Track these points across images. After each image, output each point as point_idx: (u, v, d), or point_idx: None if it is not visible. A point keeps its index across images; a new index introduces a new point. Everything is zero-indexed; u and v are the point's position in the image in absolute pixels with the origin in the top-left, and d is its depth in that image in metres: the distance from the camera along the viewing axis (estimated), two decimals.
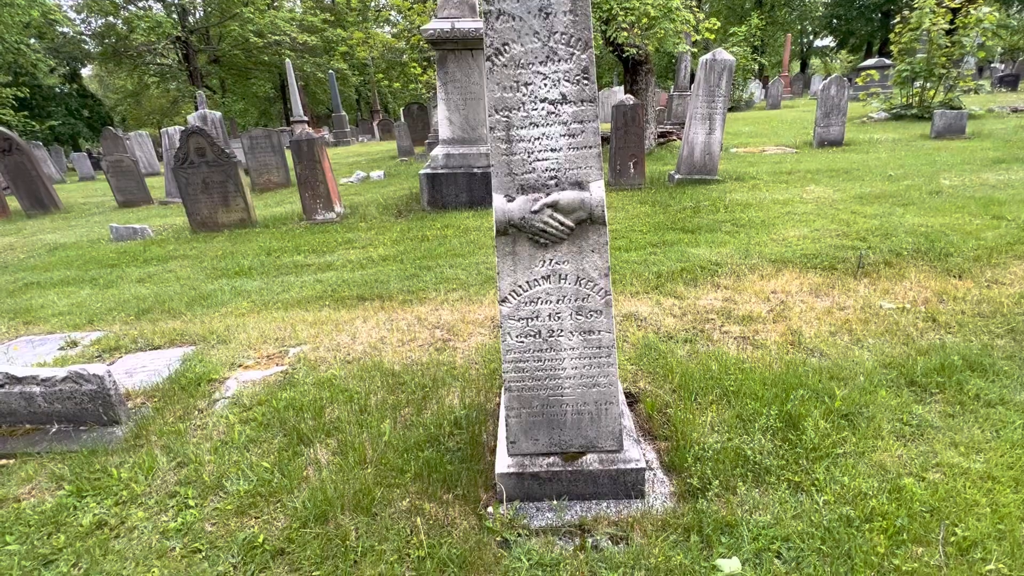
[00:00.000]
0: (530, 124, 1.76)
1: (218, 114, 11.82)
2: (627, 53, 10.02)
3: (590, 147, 1.78)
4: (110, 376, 2.65)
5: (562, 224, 1.83)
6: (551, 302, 1.99)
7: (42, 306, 5.07)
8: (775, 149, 11.31)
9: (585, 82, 1.72)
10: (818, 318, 3.50)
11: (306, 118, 23.93)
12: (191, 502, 2.24)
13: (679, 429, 2.51)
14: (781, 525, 2.00)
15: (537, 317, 2.01)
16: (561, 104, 1.74)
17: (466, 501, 2.23)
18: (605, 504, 2.24)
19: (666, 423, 2.65)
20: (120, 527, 2.14)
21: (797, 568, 1.84)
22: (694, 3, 12.55)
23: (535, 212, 1.82)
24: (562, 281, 1.95)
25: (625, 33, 9.09)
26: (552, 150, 1.79)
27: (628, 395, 2.92)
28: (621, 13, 8.95)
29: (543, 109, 1.75)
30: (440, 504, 2.21)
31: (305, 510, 2.16)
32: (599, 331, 2.02)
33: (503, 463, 2.25)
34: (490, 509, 2.17)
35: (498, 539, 2.07)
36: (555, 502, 2.22)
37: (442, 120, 7.42)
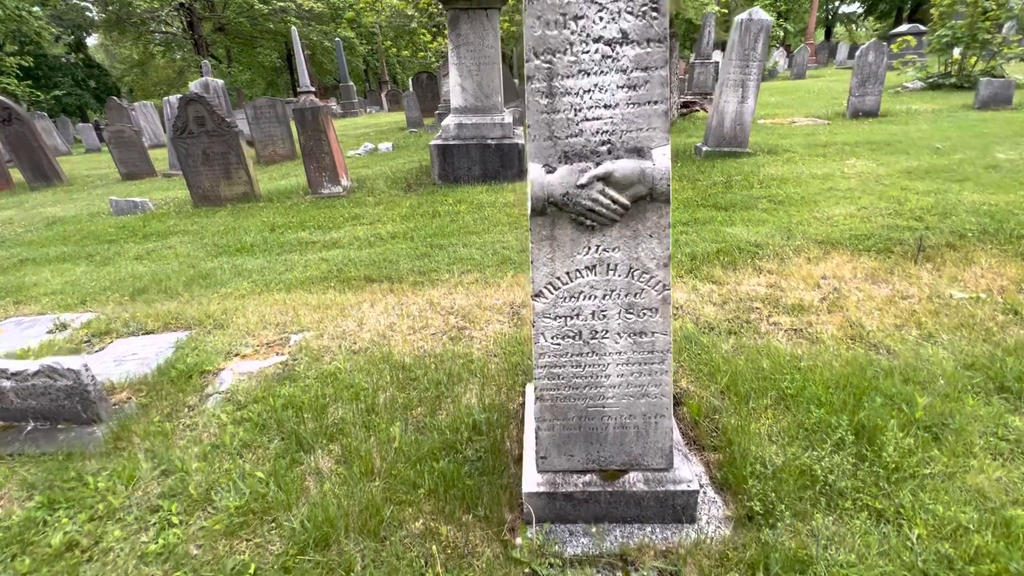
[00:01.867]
0: (579, 72, 1.37)
1: (220, 82, 11.35)
2: None
3: (655, 102, 1.39)
4: (87, 371, 2.36)
5: (615, 202, 1.46)
6: (596, 297, 1.63)
7: (35, 284, 4.81)
8: (805, 120, 10.66)
9: (654, 15, 1.31)
10: (879, 308, 3.11)
11: (313, 89, 23.28)
12: (175, 519, 1.96)
13: (733, 440, 2.18)
14: (866, 565, 1.68)
15: (578, 315, 1.66)
16: (620, 45, 1.34)
17: (488, 523, 1.93)
18: (650, 529, 1.93)
19: (715, 431, 2.31)
20: (93, 548, 1.87)
21: None
22: None
23: (582, 187, 1.44)
24: (611, 272, 1.59)
25: None
26: (605, 106, 1.40)
27: None
28: None
29: (596, 52, 1.35)
30: (458, 526, 1.91)
31: (304, 532, 1.87)
32: (653, 332, 1.67)
33: (531, 480, 1.93)
34: (518, 540, 1.86)
35: (526, 571, 1.77)
36: (593, 527, 1.91)
37: (454, 87, 6.94)
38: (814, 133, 8.86)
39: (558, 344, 1.71)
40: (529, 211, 1.52)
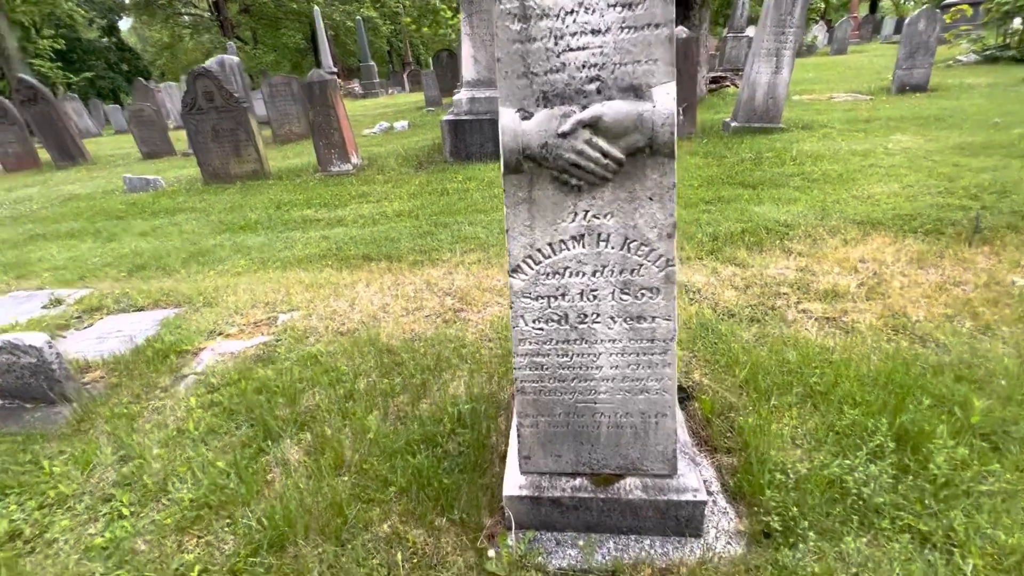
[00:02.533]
0: None
1: (236, 59, 11.24)
2: None
3: (656, 25, 1.10)
4: (50, 348, 2.22)
5: (606, 155, 1.18)
6: (584, 274, 1.36)
7: (39, 260, 4.78)
8: (845, 96, 9.94)
9: None
10: (926, 296, 2.74)
11: (335, 69, 23.12)
12: (126, 510, 1.80)
13: (749, 442, 1.90)
14: None
15: (563, 295, 1.40)
16: None
17: (464, 528, 1.71)
18: (648, 543, 1.68)
19: (730, 431, 2.03)
20: (37, 539, 1.73)
21: None
22: None
23: (564, 135, 1.17)
24: (602, 244, 1.32)
25: None
26: (593, 32, 1.11)
27: (678, 390, 2.30)
28: None
29: None
30: (430, 531, 1.70)
31: (260, 531, 1.69)
32: (653, 317, 1.39)
33: (513, 482, 1.70)
34: (490, 553, 1.63)
35: None
36: (582, 538, 1.67)
37: (466, 59, 6.62)
38: (855, 109, 8.22)
39: (540, 329, 1.45)
40: (502, 167, 1.26)
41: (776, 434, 1.94)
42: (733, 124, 6.90)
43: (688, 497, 1.61)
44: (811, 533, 1.58)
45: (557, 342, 1.46)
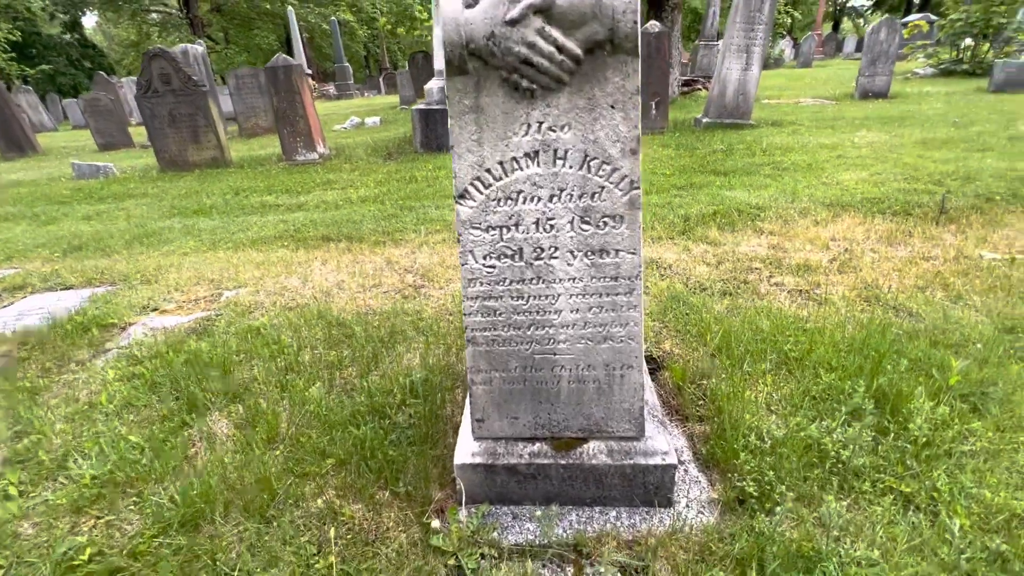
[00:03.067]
0: None
1: (200, 49, 10.84)
2: None
3: None
4: None
5: (561, 50, 1.03)
6: (540, 199, 1.21)
7: None
8: (811, 101, 10.20)
9: None
10: (897, 269, 2.69)
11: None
12: (13, 490, 1.55)
13: (723, 408, 1.77)
14: (892, 564, 1.27)
15: (517, 225, 1.24)
16: None
17: (410, 502, 1.53)
18: (614, 514, 1.53)
19: (702, 399, 1.90)
20: None
21: None
22: None
23: (513, 23, 1.02)
24: (559, 163, 1.17)
25: None
26: None
27: (649, 360, 2.17)
28: None
29: None
30: (370, 506, 1.50)
31: (172, 509, 1.47)
32: (617, 251, 1.25)
33: (465, 450, 1.52)
34: (435, 523, 1.45)
35: (448, 563, 1.36)
36: (540, 510, 1.51)
37: (437, 47, 6.48)
38: (821, 111, 8.41)
39: (492, 267, 1.29)
40: (444, 68, 1.10)
41: (750, 400, 1.82)
42: (704, 120, 6.94)
43: (657, 461, 1.46)
44: (788, 497, 1.45)
45: (511, 282, 1.30)
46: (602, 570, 1.34)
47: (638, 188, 1.18)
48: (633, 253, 1.25)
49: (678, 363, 2.07)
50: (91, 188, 6.22)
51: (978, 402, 1.74)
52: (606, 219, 1.21)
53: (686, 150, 5.72)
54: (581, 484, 1.52)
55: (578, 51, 1.04)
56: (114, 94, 15.02)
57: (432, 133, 6.70)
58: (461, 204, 1.23)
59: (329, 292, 2.84)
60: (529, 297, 1.32)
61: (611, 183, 1.18)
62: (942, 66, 13.97)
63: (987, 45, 13.50)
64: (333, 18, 25.82)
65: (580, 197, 1.20)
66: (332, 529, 1.41)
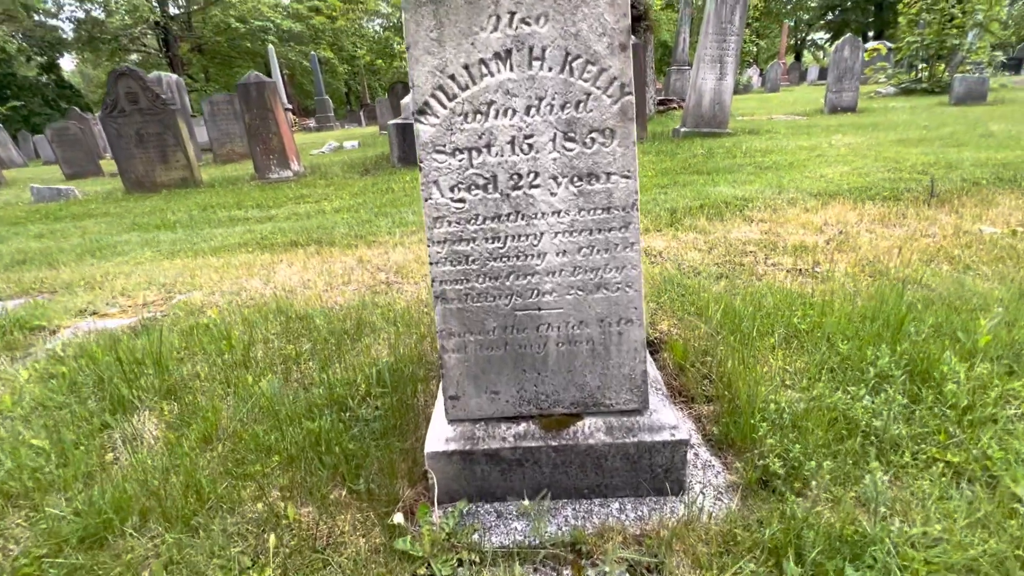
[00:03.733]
0: None
1: (175, 77, 10.72)
2: None
3: None
4: None
5: None
6: (516, 112, 1.02)
7: None
8: (784, 117, 10.43)
9: None
10: (898, 246, 2.56)
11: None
12: None
13: (732, 382, 1.55)
14: (956, 543, 1.05)
15: (489, 147, 1.04)
16: None
17: (372, 502, 1.26)
18: (617, 506, 1.28)
19: (707, 378, 1.69)
20: None
21: None
22: None
23: None
24: (536, 63, 0.98)
25: None
26: None
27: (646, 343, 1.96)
28: None
29: None
30: (323, 507, 1.23)
31: (73, 522, 1.18)
32: (608, 174, 1.05)
33: (438, 435, 1.28)
34: (396, 518, 1.19)
35: (418, 573, 1.10)
36: (527, 503, 1.25)
37: None
38: (795, 123, 8.57)
39: (461, 202, 1.08)
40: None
41: (763, 375, 1.61)
42: (683, 130, 6.96)
43: (664, 437, 1.24)
44: (822, 474, 1.23)
45: (484, 219, 1.10)
46: (607, 569, 1.09)
47: (630, 94, 1.00)
48: (627, 177, 1.05)
49: (680, 343, 1.86)
50: (49, 210, 5.91)
51: (1013, 364, 1.56)
52: (594, 134, 1.02)
53: (667, 155, 5.67)
54: (577, 470, 1.27)
55: None
56: (86, 126, 14.76)
57: (410, 148, 6.57)
58: (421, 122, 1.03)
59: (292, 291, 2.59)
60: (507, 238, 1.11)
61: (598, 88, 0.99)
62: (903, 85, 14.58)
63: (942, 65, 14.17)
64: (313, 54, 26.17)
65: (563, 108, 1.01)
66: (272, 536, 1.14)
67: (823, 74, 27.86)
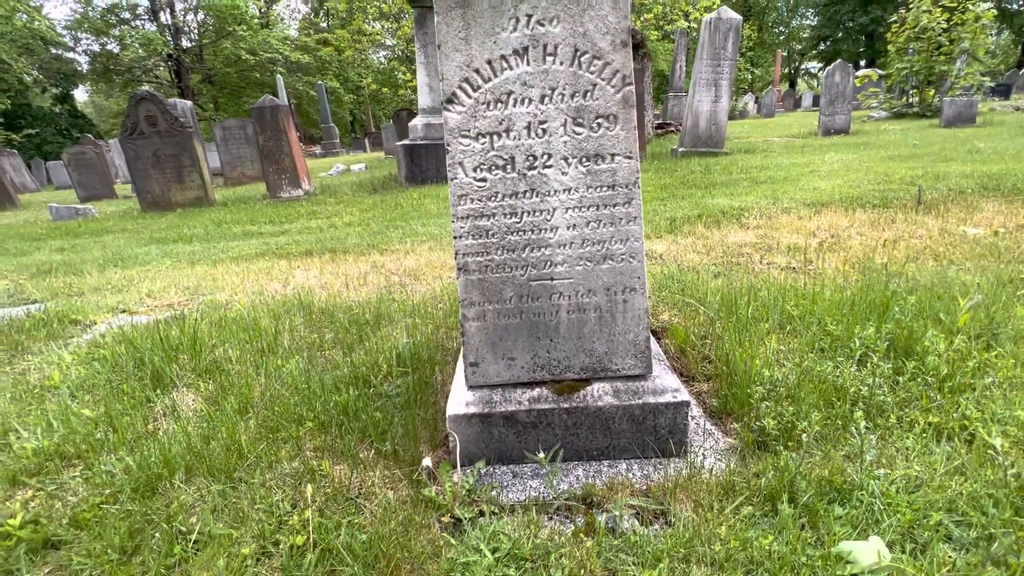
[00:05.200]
0: None
1: (188, 103, 11.11)
2: None
3: None
4: None
5: None
6: (531, 101, 1.17)
7: None
8: (779, 139, 10.72)
9: None
10: (885, 246, 2.70)
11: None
12: None
13: (730, 360, 1.67)
14: (935, 487, 1.15)
15: (508, 131, 1.19)
16: None
17: (397, 462, 1.37)
18: (624, 466, 1.38)
19: (706, 359, 1.81)
20: None
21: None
22: None
23: None
24: (549, 59, 1.14)
25: None
26: None
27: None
28: None
29: None
30: (353, 465, 1.34)
31: (125, 477, 1.28)
32: (613, 155, 1.20)
33: (459, 400, 1.39)
34: (427, 460, 1.29)
35: (445, 518, 1.20)
36: (542, 455, 1.36)
37: (421, 88, 6.73)
38: (790, 143, 8.83)
39: (483, 180, 1.23)
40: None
41: (758, 353, 1.73)
42: (680, 150, 7.20)
43: (667, 399, 1.35)
44: (813, 431, 1.34)
45: (504, 196, 1.24)
46: (617, 514, 1.19)
47: (630, 84, 1.15)
48: (629, 157, 1.20)
49: (681, 329, 1.98)
50: (68, 227, 6.10)
51: (991, 340, 1.67)
52: (600, 120, 1.18)
53: (666, 172, 5.88)
54: (587, 432, 1.38)
55: None
56: (100, 151, 15.18)
57: (417, 167, 6.81)
58: (449, 109, 1.19)
59: (311, 291, 2.73)
60: (523, 213, 1.25)
61: (603, 79, 1.15)
62: (895, 109, 14.99)
63: (932, 91, 14.61)
64: (320, 83, 26.99)
65: (572, 96, 1.16)
66: (310, 487, 1.24)
67: (817, 101, 28.56)
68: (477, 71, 1.15)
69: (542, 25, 1.12)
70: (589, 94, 1.16)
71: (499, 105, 1.17)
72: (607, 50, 1.13)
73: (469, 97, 1.17)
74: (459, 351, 1.94)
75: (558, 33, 1.12)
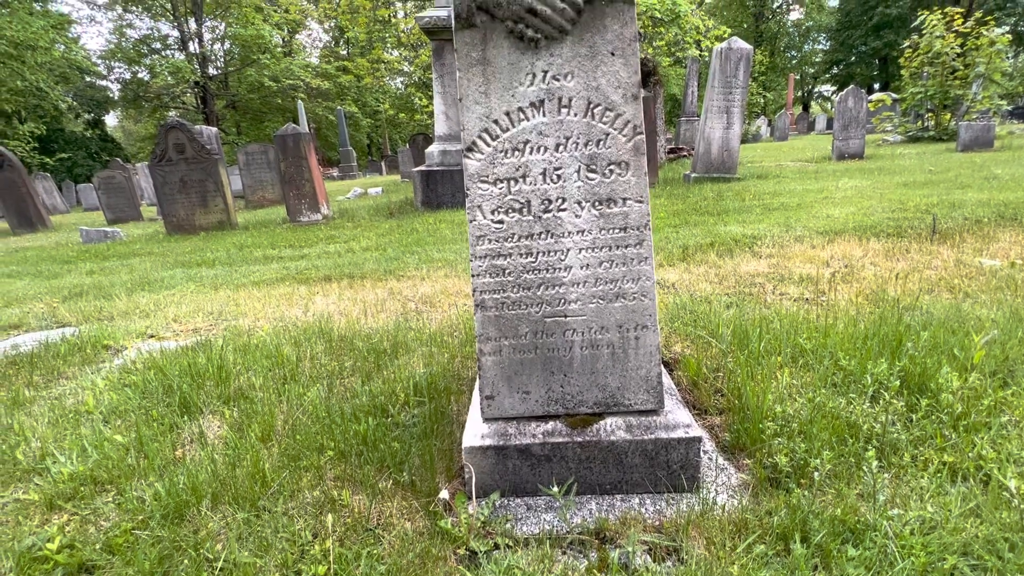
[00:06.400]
0: None
1: (214, 130, 11.55)
2: None
3: None
4: None
5: None
6: (547, 149, 1.24)
7: None
8: (792, 164, 10.74)
9: None
10: (900, 277, 2.70)
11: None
12: None
13: (742, 391, 1.68)
14: (951, 528, 1.15)
15: (525, 177, 1.26)
16: None
17: (415, 492, 1.40)
18: (637, 501, 1.40)
19: (719, 392, 1.82)
20: None
21: None
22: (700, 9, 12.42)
23: None
24: (564, 111, 1.21)
25: None
26: None
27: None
28: None
29: None
30: (372, 495, 1.38)
31: (155, 503, 1.34)
32: (624, 199, 1.26)
33: (474, 432, 1.43)
34: (444, 493, 1.33)
35: (460, 551, 1.23)
36: (556, 489, 1.38)
37: (438, 116, 6.93)
38: (803, 168, 8.85)
39: (500, 223, 1.29)
40: (452, 22, 1.18)
41: (771, 388, 1.74)
42: (693, 175, 7.27)
43: (679, 434, 1.37)
44: (826, 470, 1.35)
45: (520, 237, 1.30)
46: (629, 550, 1.20)
47: (641, 134, 1.22)
48: (640, 202, 1.26)
49: (693, 361, 2.00)
50: (97, 250, 6.33)
51: (1007, 378, 1.67)
52: (612, 166, 1.24)
53: (678, 199, 5.93)
54: (600, 466, 1.41)
55: None
56: (127, 175, 15.75)
57: (432, 192, 6.97)
58: (469, 157, 1.26)
59: (331, 317, 2.81)
60: (538, 253, 1.31)
61: (615, 129, 1.21)
62: (910, 133, 14.93)
63: (948, 114, 14.55)
64: (339, 108, 27.80)
65: (585, 145, 1.23)
66: (330, 516, 1.28)
67: (831, 123, 28.61)
68: (496, 122, 1.22)
69: (557, 80, 1.19)
70: (602, 143, 1.22)
71: (516, 153, 1.24)
72: (619, 102, 1.19)
73: (488, 146, 1.24)
74: (475, 380, 1.99)
75: (572, 87, 1.19)
